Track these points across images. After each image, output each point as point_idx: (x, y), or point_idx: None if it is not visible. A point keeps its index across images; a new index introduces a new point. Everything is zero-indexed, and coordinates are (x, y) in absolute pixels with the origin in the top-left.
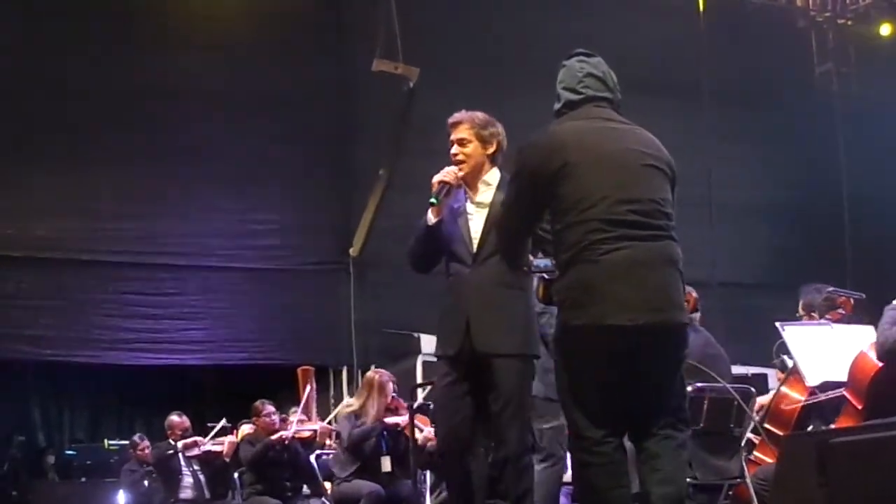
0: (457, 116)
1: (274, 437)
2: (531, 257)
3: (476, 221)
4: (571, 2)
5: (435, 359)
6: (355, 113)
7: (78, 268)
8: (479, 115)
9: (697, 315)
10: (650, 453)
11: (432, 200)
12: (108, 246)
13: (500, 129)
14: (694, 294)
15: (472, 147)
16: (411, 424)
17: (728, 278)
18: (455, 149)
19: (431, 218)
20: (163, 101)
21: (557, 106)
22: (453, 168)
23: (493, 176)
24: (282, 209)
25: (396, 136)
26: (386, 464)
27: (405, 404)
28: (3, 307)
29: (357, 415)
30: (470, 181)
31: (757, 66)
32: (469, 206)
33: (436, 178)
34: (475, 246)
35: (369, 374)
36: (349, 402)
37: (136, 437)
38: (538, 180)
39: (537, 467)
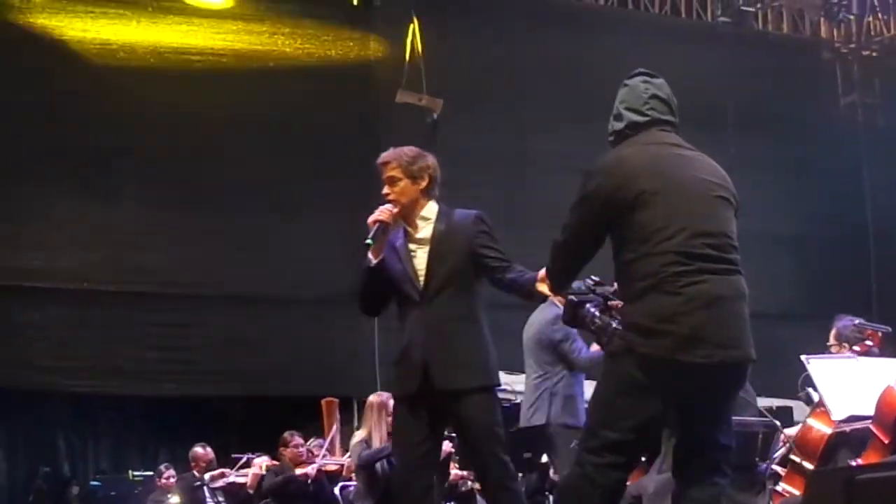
0: (384, 156)
1: (299, 472)
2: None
3: (420, 258)
4: (596, 33)
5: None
6: (378, 144)
7: (103, 299)
8: (407, 150)
9: None
10: (691, 499)
11: (368, 241)
12: (132, 277)
13: (430, 161)
14: None
15: (403, 184)
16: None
17: (752, 309)
18: (386, 188)
19: (371, 259)
20: (190, 132)
21: (619, 126)
22: (388, 206)
23: (430, 210)
24: (307, 240)
25: None
26: None
27: None
28: (28, 338)
29: (366, 441)
30: (407, 218)
31: (782, 97)
32: (410, 245)
33: (371, 218)
34: (422, 283)
35: (370, 397)
36: (357, 434)
37: (161, 467)
38: (610, 208)
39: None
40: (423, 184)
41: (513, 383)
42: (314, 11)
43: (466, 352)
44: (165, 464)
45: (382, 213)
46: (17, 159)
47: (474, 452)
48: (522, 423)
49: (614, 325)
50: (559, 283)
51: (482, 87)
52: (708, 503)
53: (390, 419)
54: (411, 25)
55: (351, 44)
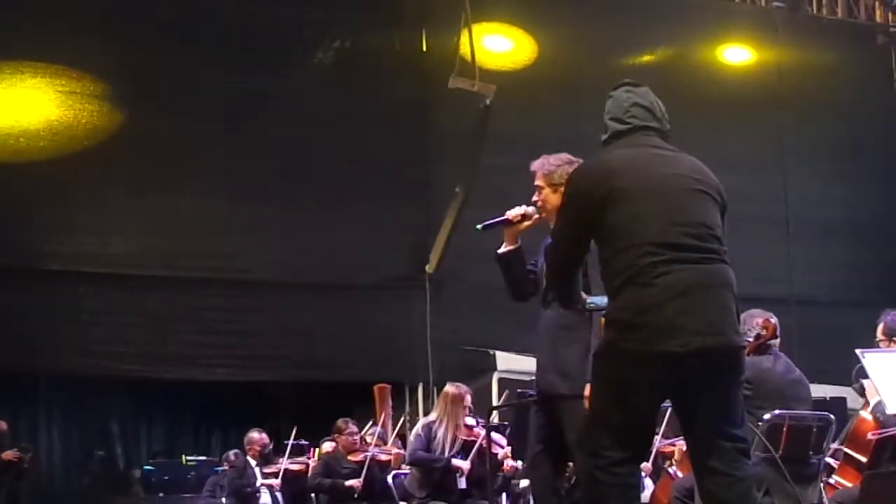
0: (532, 164)
1: (348, 483)
2: (585, 295)
3: None
4: (651, 18)
5: (510, 376)
6: (432, 130)
7: (157, 284)
8: (552, 159)
9: (776, 341)
10: (718, 498)
11: (477, 227)
12: (187, 263)
13: (569, 168)
14: (773, 320)
15: (545, 193)
16: (489, 444)
17: (805, 295)
18: (535, 195)
19: (504, 248)
20: (244, 120)
21: (604, 137)
22: (526, 208)
23: None
24: (359, 226)
25: (473, 154)
26: (461, 483)
27: (478, 432)
28: (84, 323)
29: (430, 427)
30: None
31: (836, 81)
32: None
33: (515, 210)
34: (544, 287)
35: (446, 387)
36: (423, 420)
37: (230, 454)
38: (586, 208)
39: None
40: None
41: None
42: None
43: (563, 360)
44: (235, 451)
45: (515, 211)
46: (72, 144)
47: (572, 451)
48: None
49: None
50: (561, 293)
51: (534, 73)
52: (741, 500)
53: (464, 412)
54: (463, 12)
55: (406, 31)
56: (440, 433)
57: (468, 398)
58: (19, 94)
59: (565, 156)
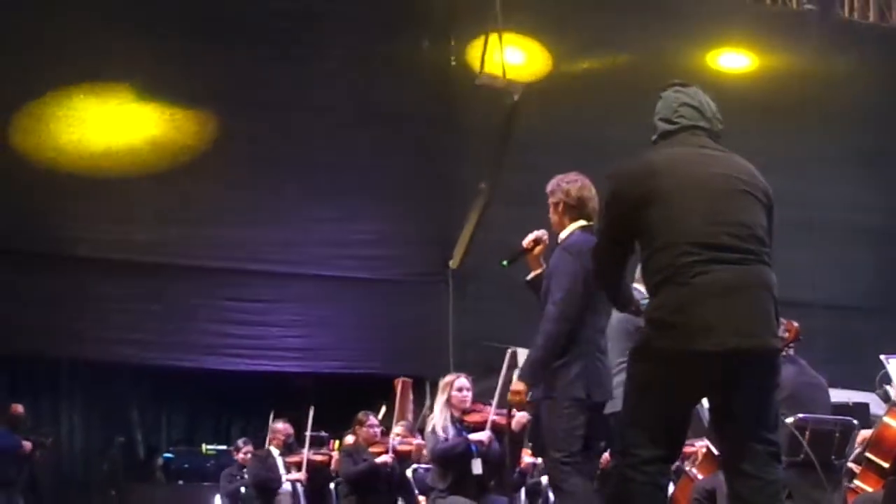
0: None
1: (379, 460)
2: (639, 292)
3: None
4: (682, 17)
5: None
6: (458, 127)
7: (178, 273)
8: (555, 178)
9: (793, 345)
10: (746, 500)
11: (503, 263)
12: (208, 252)
13: (565, 185)
14: (795, 324)
15: (551, 211)
16: (509, 424)
17: (830, 300)
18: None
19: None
20: (266, 112)
21: (654, 137)
22: (536, 232)
23: (565, 233)
24: (383, 220)
25: (498, 151)
26: (476, 466)
27: (486, 409)
28: (105, 311)
29: (434, 430)
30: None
31: (866, 85)
32: None
33: (528, 238)
34: None
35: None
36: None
37: (239, 442)
38: (627, 206)
39: None
40: (560, 208)
41: None
42: None
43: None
44: (244, 439)
45: (528, 238)
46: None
47: None
48: (607, 409)
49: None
50: (609, 295)
51: (563, 73)
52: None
53: (457, 393)
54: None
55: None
56: (440, 422)
57: (459, 381)
58: None
59: (572, 174)
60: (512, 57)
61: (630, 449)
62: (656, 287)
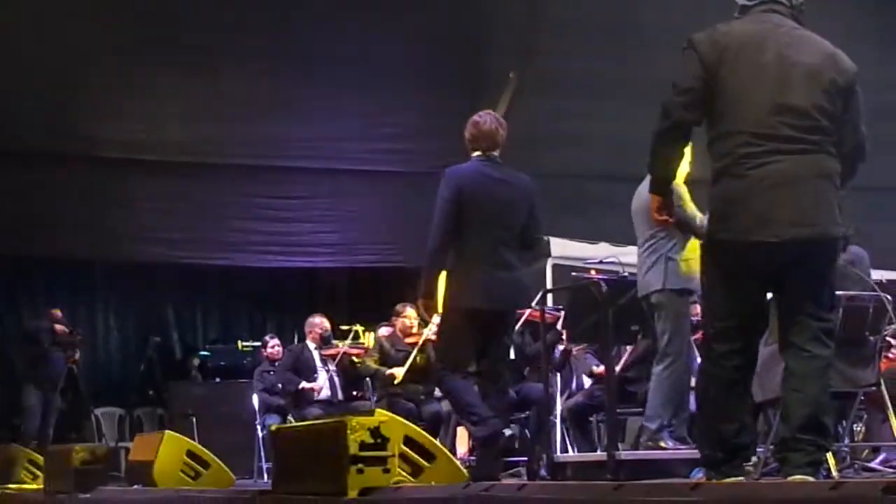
0: None
1: (391, 371)
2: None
3: None
4: None
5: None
6: (486, 15)
7: (209, 171)
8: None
9: None
10: (793, 372)
11: None
12: (238, 150)
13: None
14: None
15: None
16: (542, 317)
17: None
18: None
19: None
20: (293, 4)
21: (735, 14)
22: None
23: None
24: (412, 113)
25: (528, 39)
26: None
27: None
28: (135, 211)
29: None
30: None
31: None
32: None
33: None
34: None
35: None
36: None
37: (266, 337)
38: (700, 67)
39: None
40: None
41: (618, 255)
42: None
43: None
44: (270, 334)
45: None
46: (119, 32)
47: None
48: (640, 291)
49: (699, 216)
50: (657, 179)
51: None
52: (813, 376)
53: None
54: None
55: None
56: None
57: None
58: None
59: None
60: None
61: (710, 342)
62: (718, 174)
